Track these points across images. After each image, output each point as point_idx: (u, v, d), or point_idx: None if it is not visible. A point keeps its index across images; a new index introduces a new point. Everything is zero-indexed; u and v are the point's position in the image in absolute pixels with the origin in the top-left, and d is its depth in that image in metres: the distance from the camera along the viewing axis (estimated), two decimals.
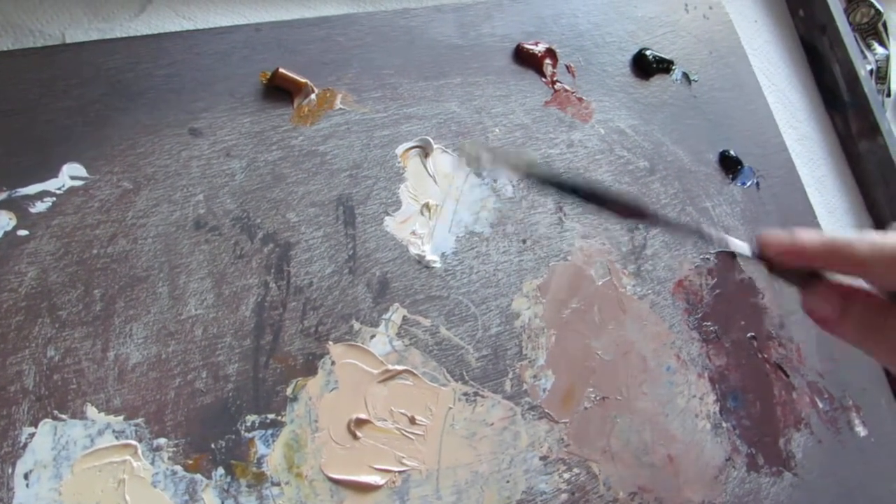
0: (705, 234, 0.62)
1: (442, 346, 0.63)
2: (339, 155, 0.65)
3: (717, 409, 0.73)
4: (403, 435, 0.60)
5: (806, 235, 0.55)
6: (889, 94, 1.07)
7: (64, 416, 0.51)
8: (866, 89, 0.98)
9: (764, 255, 0.58)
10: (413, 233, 0.66)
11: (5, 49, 0.61)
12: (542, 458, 0.64)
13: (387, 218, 0.65)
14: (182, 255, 0.58)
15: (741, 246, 0.60)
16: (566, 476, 0.65)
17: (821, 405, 0.79)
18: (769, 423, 0.76)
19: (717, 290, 0.78)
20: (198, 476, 0.53)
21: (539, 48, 0.78)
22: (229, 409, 0.55)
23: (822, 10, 1.01)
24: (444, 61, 0.73)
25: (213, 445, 0.54)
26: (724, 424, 0.73)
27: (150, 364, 0.54)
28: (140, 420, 0.53)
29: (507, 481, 0.62)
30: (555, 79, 0.78)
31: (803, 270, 0.56)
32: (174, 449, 0.53)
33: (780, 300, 0.81)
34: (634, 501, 0.67)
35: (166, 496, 0.52)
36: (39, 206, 0.55)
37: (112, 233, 0.56)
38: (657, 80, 0.85)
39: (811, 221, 0.89)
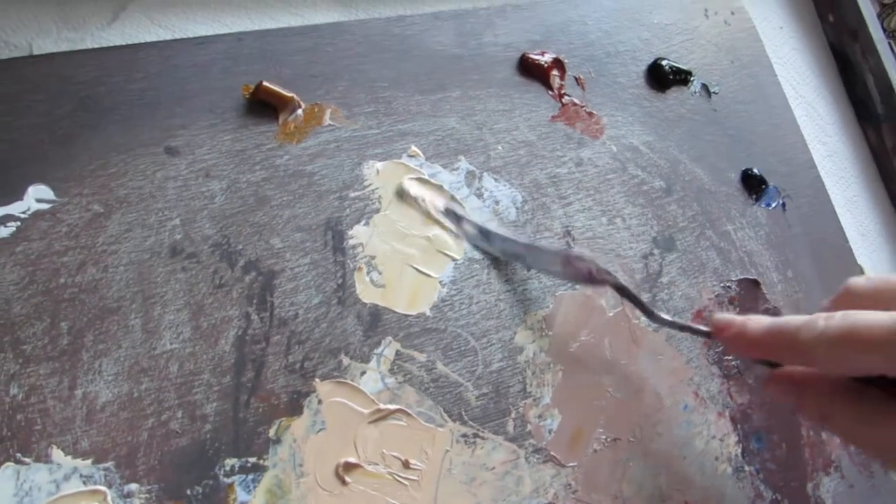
0: (652, 314, 0.65)
1: (438, 384, 0.64)
2: (328, 175, 0.66)
3: (740, 451, 0.73)
4: (396, 480, 0.60)
5: (752, 324, 0.58)
6: None
7: (27, 460, 0.51)
8: None
9: (716, 338, 0.61)
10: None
11: None
12: None
13: None
14: (156, 285, 0.58)
15: (700, 329, 0.62)
16: None
17: (852, 447, 0.79)
18: (796, 466, 0.76)
19: None
20: None
21: (545, 58, 0.78)
22: (207, 452, 0.56)
23: (853, 15, 1.02)
24: (443, 73, 0.74)
25: (188, 491, 0.54)
26: (746, 468, 0.73)
27: (120, 403, 0.55)
28: (110, 464, 0.53)
29: None
30: (562, 92, 0.79)
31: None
32: (147, 495, 0.53)
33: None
34: None
35: None
36: (2, 232, 0.55)
37: (81, 260, 0.57)
38: (674, 93, 0.85)
39: (842, 245, 0.90)
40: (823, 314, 0.53)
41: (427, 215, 0.68)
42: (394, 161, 0.68)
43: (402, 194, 0.67)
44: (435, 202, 0.68)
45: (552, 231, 0.72)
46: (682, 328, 0.66)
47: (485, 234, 0.68)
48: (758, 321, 0.58)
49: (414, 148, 0.70)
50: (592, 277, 0.66)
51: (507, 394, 0.66)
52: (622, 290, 0.66)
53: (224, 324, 0.59)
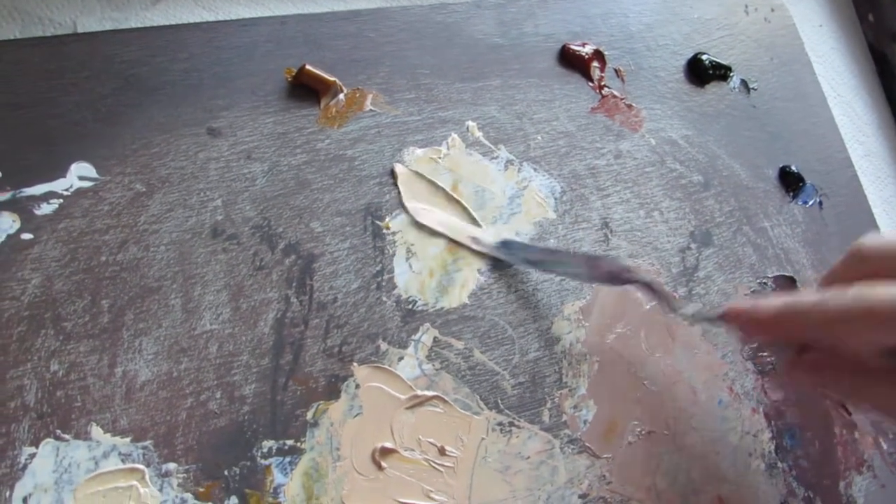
0: (672, 305, 0.64)
1: (475, 371, 0.63)
2: (369, 160, 0.65)
3: (773, 447, 0.73)
4: (432, 467, 0.60)
5: (763, 308, 0.56)
6: None
7: (67, 436, 0.51)
8: None
9: (729, 329, 0.59)
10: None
11: (12, 38, 0.62)
12: (582, 496, 0.64)
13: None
14: (197, 265, 0.58)
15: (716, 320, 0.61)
16: None
17: (885, 446, 0.79)
18: (829, 464, 0.75)
19: None
20: None
21: (586, 49, 0.78)
22: (245, 434, 0.55)
23: (893, 15, 1.01)
24: (484, 61, 0.73)
25: (226, 472, 0.54)
26: (779, 465, 0.72)
27: (160, 382, 0.54)
28: (148, 443, 0.53)
29: None
30: (602, 83, 0.78)
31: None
32: (185, 475, 0.53)
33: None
34: None
35: None
36: (45, 208, 0.55)
37: (122, 239, 0.57)
38: (713, 88, 0.85)
39: None
40: (834, 292, 0.52)
41: (449, 240, 0.67)
42: (434, 148, 0.68)
43: (418, 225, 0.67)
44: (454, 227, 0.68)
45: (590, 222, 0.72)
46: (702, 321, 0.65)
47: (506, 245, 0.68)
48: (767, 305, 0.56)
49: (471, 123, 0.70)
50: (615, 277, 0.66)
51: (543, 383, 0.65)
52: (647, 287, 0.66)
53: (263, 306, 0.59)
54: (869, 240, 0.56)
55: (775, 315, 0.55)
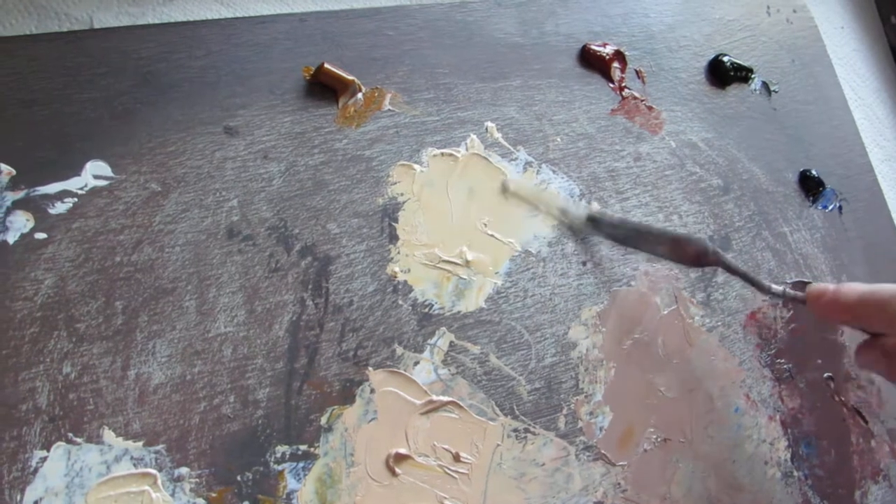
0: (759, 284, 0.65)
1: (491, 377, 0.63)
2: (387, 161, 0.65)
3: (789, 455, 0.72)
4: (446, 473, 0.59)
5: (845, 292, 0.60)
6: None
7: (79, 440, 0.51)
8: None
9: (811, 307, 0.61)
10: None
11: (28, 33, 0.61)
12: None
13: None
14: (212, 267, 0.57)
15: (797, 296, 0.62)
16: None
17: None
18: (844, 473, 0.74)
19: (793, 325, 0.76)
20: None
21: (607, 50, 0.77)
22: (258, 438, 0.55)
23: None
24: (504, 61, 0.73)
25: (239, 477, 0.54)
26: (795, 473, 0.72)
27: (173, 385, 0.54)
28: (161, 447, 0.52)
29: None
30: (623, 84, 0.77)
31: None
32: (197, 480, 0.53)
33: (861, 338, 0.80)
34: None
35: None
36: (59, 207, 0.55)
37: (137, 239, 0.56)
38: (734, 90, 0.84)
39: None
40: None
41: (538, 209, 0.68)
42: (450, 149, 0.67)
43: (506, 192, 0.67)
44: (544, 198, 0.68)
45: None
46: (784, 297, 0.65)
47: (593, 221, 0.68)
48: (850, 289, 0.59)
49: (490, 124, 0.69)
50: (700, 259, 0.66)
51: (560, 389, 0.65)
52: (732, 269, 0.66)
53: (279, 308, 0.58)
54: None
55: (856, 302, 0.59)
